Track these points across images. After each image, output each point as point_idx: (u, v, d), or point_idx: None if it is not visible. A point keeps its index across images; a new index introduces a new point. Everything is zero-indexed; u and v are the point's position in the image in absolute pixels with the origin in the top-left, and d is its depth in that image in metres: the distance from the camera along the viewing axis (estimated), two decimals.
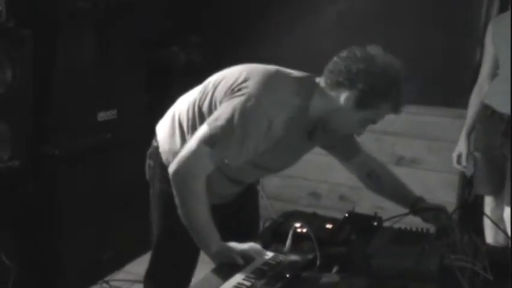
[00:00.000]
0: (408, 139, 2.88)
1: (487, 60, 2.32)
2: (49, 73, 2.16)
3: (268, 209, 2.90)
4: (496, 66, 2.29)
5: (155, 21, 2.76)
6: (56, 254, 2.27)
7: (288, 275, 1.18)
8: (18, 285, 2.05)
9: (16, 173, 2.04)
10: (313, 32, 2.96)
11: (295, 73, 1.40)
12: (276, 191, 3.14)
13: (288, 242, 1.32)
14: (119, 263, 2.56)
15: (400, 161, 2.90)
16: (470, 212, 2.45)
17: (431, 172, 2.84)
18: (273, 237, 1.40)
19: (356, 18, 2.86)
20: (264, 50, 2.95)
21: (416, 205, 1.53)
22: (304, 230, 1.34)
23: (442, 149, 2.79)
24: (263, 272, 1.22)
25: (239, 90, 1.30)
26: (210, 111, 1.36)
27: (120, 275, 2.53)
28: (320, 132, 1.39)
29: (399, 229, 1.45)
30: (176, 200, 1.33)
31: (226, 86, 1.35)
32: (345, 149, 1.58)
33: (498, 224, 2.13)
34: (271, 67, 1.38)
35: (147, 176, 1.57)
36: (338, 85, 1.30)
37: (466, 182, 2.73)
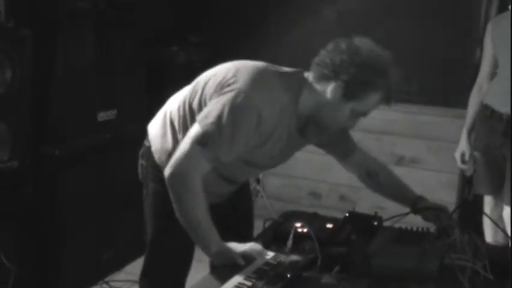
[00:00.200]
0: (408, 139, 2.88)
1: (486, 59, 2.32)
2: (49, 73, 2.16)
3: (269, 209, 2.90)
4: (495, 65, 2.29)
5: (155, 21, 2.76)
6: (56, 255, 2.27)
7: (289, 275, 1.18)
8: (18, 285, 2.04)
9: (16, 173, 2.04)
10: (313, 32, 2.97)
11: (284, 68, 1.40)
12: (277, 191, 3.14)
13: (289, 242, 1.32)
14: (119, 264, 2.56)
15: (400, 160, 2.90)
16: (470, 211, 2.45)
17: (431, 172, 2.85)
18: (274, 237, 1.40)
19: (356, 19, 2.87)
20: (263, 50, 2.96)
21: (416, 204, 1.53)
22: (305, 230, 1.34)
23: (442, 149, 2.79)
24: (264, 272, 1.22)
25: (228, 86, 1.30)
26: (200, 108, 1.36)
27: (120, 275, 2.52)
28: (311, 128, 1.39)
29: (400, 229, 1.45)
30: (174, 203, 1.33)
31: (216, 82, 1.34)
32: (340, 147, 1.57)
33: (497, 223, 2.14)
34: (260, 63, 1.38)
35: (140, 176, 1.56)
36: (324, 78, 1.30)
37: (466, 182, 2.74)
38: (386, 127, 2.88)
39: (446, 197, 2.66)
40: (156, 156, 1.48)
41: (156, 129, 1.50)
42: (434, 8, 2.77)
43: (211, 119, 1.28)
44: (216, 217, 1.34)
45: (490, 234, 2.28)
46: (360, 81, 1.27)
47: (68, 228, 2.28)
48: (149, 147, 1.50)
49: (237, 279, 1.19)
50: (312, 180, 3.07)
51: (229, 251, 1.30)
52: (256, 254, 1.30)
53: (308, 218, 1.45)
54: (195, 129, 1.31)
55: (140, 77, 2.62)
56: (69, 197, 2.27)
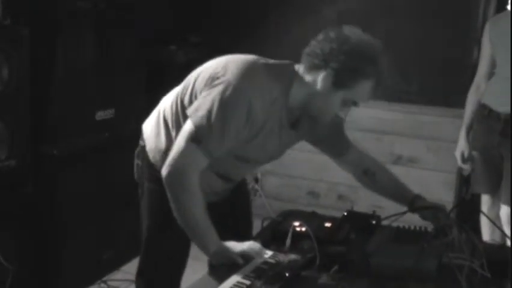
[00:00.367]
0: (407, 138, 2.89)
1: (484, 59, 2.33)
2: (49, 73, 2.16)
3: (267, 209, 2.90)
4: (492, 65, 2.30)
5: (154, 21, 2.76)
6: (54, 254, 2.27)
7: (287, 274, 1.18)
8: (16, 285, 2.04)
9: (14, 172, 2.04)
10: (313, 32, 2.96)
11: (274, 61, 1.39)
12: (275, 190, 3.14)
13: (288, 241, 1.33)
14: (118, 263, 2.55)
15: (398, 160, 2.91)
16: (467, 210, 2.46)
17: (429, 171, 2.85)
18: (272, 236, 1.41)
19: (355, 19, 2.85)
20: (263, 50, 2.94)
21: (414, 203, 1.53)
22: (304, 229, 1.34)
23: (441, 149, 2.80)
24: (263, 271, 1.22)
25: (217, 78, 1.30)
26: (191, 102, 1.36)
27: (118, 275, 2.52)
28: (303, 120, 1.39)
29: (398, 228, 1.45)
30: (172, 202, 1.32)
31: (206, 76, 1.35)
32: (334, 144, 1.57)
33: (495, 222, 2.15)
34: (250, 56, 1.38)
35: (135, 176, 1.56)
36: (314, 67, 1.31)
37: (463, 181, 2.74)
38: (386, 127, 2.89)
39: (444, 196, 2.67)
40: (150, 155, 1.48)
41: (150, 128, 1.50)
42: (433, 8, 2.78)
43: (202, 112, 1.28)
44: (214, 216, 1.34)
45: (487, 233, 2.29)
46: (349, 68, 1.27)
47: (66, 228, 2.28)
48: (144, 147, 1.50)
49: (236, 278, 1.20)
50: (310, 179, 3.07)
51: (228, 250, 1.30)
52: (255, 253, 1.30)
53: (307, 217, 1.46)
54: (187, 126, 1.30)
55: (139, 77, 2.62)
56: (68, 197, 2.27)
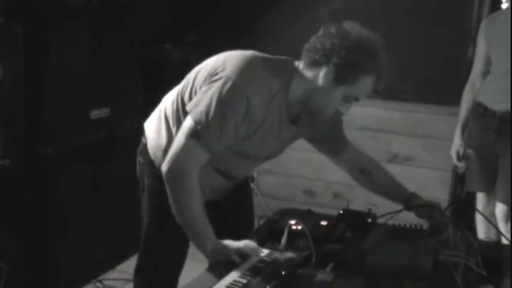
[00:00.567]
0: (403, 137, 2.89)
1: (479, 57, 2.34)
2: (43, 72, 2.15)
3: (263, 207, 2.91)
4: (488, 63, 2.30)
5: (150, 19, 2.75)
6: (49, 253, 2.26)
7: (283, 272, 1.18)
8: (11, 285, 2.03)
9: (8, 172, 2.03)
10: (310, 30, 2.97)
11: (273, 57, 1.39)
12: (271, 189, 3.14)
13: (284, 239, 1.33)
14: (113, 262, 2.55)
15: (394, 158, 2.92)
16: (462, 208, 2.47)
17: (425, 169, 2.86)
18: (269, 234, 1.41)
19: (351, 17, 2.87)
20: (260, 48, 2.94)
21: (409, 201, 1.54)
22: (300, 227, 1.34)
23: (436, 147, 2.81)
24: (259, 270, 1.22)
25: (216, 74, 1.31)
26: (191, 99, 1.36)
27: (114, 274, 2.52)
28: (304, 116, 1.39)
29: (394, 226, 1.46)
30: (170, 199, 1.33)
31: (205, 73, 1.35)
32: (332, 143, 1.57)
33: (490, 219, 2.15)
34: (249, 52, 1.38)
35: (137, 173, 1.57)
36: (315, 63, 1.30)
37: (458, 179, 2.75)
38: (382, 125, 2.90)
39: (439, 194, 2.68)
40: (151, 152, 1.48)
41: (152, 126, 1.51)
42: (428, 7, 2.79)
43: (201, 107, 1.28)
44: (215, 214, 1.34)
45: (482, 230, 2.30)
46: (351, 64, 1.27)
47: (62, 227, 2.28)
48: (145, 144, 1.51)
49: (232, 276, 1.19)
50: (306, 178, 3.07)
51: (224, 248, 1.30)
52: (251, 251, 1.30)
53: (302, 216, 1.46)
54: (187, 122, 1.31)
55: (135, 75, 2.61)
56: (63, 196, 2.26)
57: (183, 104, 1.39)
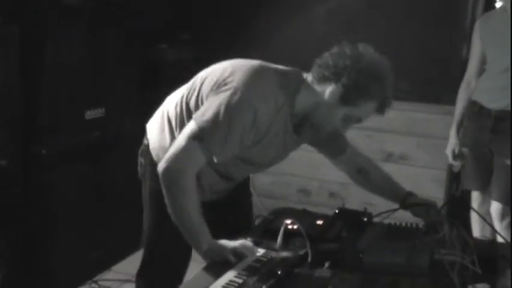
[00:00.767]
0: (398, 136, 2.90)
1: (474, 56, 2.35)
2: (38, 72, 2.14)
3: (259, 207, 2.90)
4: (483, 62, 2.31)
5: (145, 19, 2.74)
6: (44, 254, 2.25)
7: (279, 272, 1.18)
8: (5, 285, 2.03)
9: (3, 172, 2.02)
10: (303, 30, 2.97)
11: (281, 67, 1.41)
12: (266, 188, 3.14)
13: (280, 238, 1.33)
14: (108, 263, 2.54)
15: (389, 157, 2.92)
16: (458, 207, 2.48)
17: (420, 168, 2.87)
18: (264, 234, 1.41)
19: (346, 17, 2.87)
20: (254, 48, 2.95)
21: (405, 200, 1.54)
22: (295, 227, 1.35)
23: (431, 146, 2.82)
24: (255, 269, 1.22)
25: (225, 85, 1.31)
26: (197, 106, 1.37)
27: (109, 274, 2.51)
28: (306, 127, 1.40)
29: (389, 224, 1.46)
30: (166, 198, 1.33)
31: (212, 81, 1.35)
32: (333, 146, 1.58)
33: (485, 218, 2.16)
34: (257, 62, 1.39)
35: (139, 174, 1.57)
36: (324, 79, 1.32)
37: (453, 178, 2.76)
38: (378, 124, 2.89)
39: (435, 192, 2.68)
40: (154, 154, 1.48)
41: (154, 127, 1.50)
42: (423, 7, 2.79)
43: (208, 117, 1.28)
44: (216, 214, 1.34)
45: (477, 229, 2.31)
46: (358, 87, 1.29)
47: (56, 228, 2.27)
48: (147, 145, 1.51)
49: (228, 276, 1.19)
50: (302, 177, 3.07)
51: (220, 248, 1.30)
52: (247, 251, 1.30)
53: (298, 215, 1.46)
54: (190, 126, 1.31)
55: (130, 75, 2.61)
56: (57, 196, 2.25)
57: (188, 109, 1.40)
